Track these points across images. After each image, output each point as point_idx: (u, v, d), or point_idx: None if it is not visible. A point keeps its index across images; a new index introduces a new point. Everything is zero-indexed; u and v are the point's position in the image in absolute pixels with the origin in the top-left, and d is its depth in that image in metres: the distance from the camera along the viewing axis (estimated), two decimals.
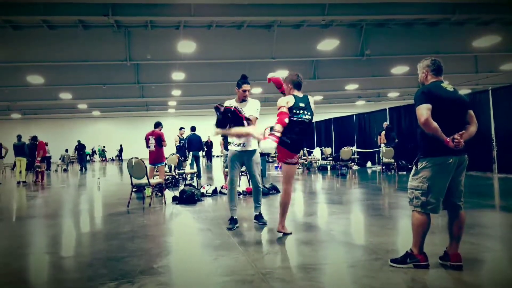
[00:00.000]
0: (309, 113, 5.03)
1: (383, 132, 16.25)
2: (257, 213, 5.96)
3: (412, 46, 16.71)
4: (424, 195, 3.56)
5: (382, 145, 15.73)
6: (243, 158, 5.78)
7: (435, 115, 3.43)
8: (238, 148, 5.74)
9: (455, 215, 3.69)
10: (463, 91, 24.78)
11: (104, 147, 38.70)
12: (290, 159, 5.07)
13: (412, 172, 3.70)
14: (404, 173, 13.69)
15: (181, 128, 13.71)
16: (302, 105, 4.98)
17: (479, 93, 13.68)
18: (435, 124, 3.40)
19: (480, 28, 16.30)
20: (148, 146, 9.71)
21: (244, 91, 5.64)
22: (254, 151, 5.77)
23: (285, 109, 4.91)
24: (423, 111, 3.44)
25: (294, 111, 4.93)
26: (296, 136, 4.97)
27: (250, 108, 5.64)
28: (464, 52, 17.76)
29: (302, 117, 4.96)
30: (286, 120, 4.86)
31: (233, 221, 5.75)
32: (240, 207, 7.86)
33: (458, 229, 3.67)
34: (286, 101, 4.96)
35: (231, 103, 5.69)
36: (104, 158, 38.40)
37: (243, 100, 5.70)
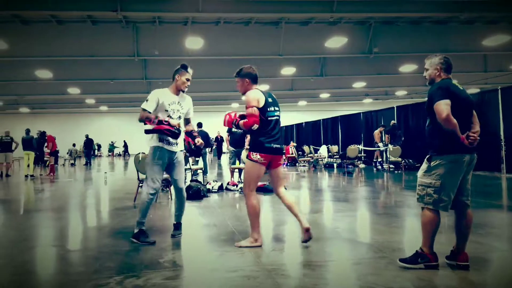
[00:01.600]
0: (278, 109, 4.63)
1: (379, 130, 16.19)
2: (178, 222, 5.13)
3: (420, 44, 16.60)
4: (437, 192, 3.50)
5: (380, 144, 15.70)
6: (169, 159, 4.83)
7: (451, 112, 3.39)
8: (167, 147, 4.79)
9: (462, 214, 3.65)
10: (472, 90, 24.60)
11: (113, 142, 38.95)
12: (256, 157, 4.47)
13: (424, 168, 3.63)
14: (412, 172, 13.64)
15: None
16: (270, 100, 4.54)
17: (488, 93, 13.57)
18: (455, 120, 3.35)
19: (489, 27, 16.17)
20: None
21: (188, 79, 4.85)
22: (181, 152, 4.95)
23: (256, 111, 4.38)
24: (444, 106, 3.37)
25: (268, 108, 4.48)
26: (275, 139, 4.49)
27: (188, 104, 5.00)
28: (472, 50, 17.64)
29: (275, 115, 4.54)
30: (255, 127, 4.36)
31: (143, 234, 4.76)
32: (243, 203, 7.86)
33: (465, 228, 3.64)
34: (257, 99, 4.43)
35: (163, 93, 4.76)
36: (111, 153, 38.66)
37: (180, 91, 4.87)
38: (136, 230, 4.72)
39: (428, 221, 3.55)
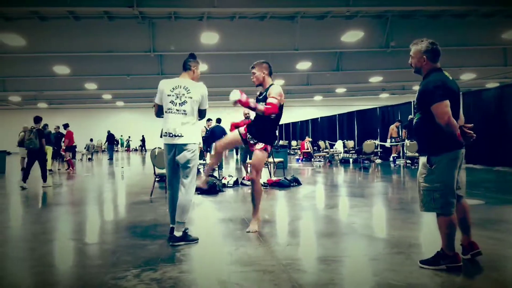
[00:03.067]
0: None
1: (394, 125, 16.04)
2: (179, 235, 4.41)
3: (438, 38, 15.84)
4: (444, 196, 3.34)
5: (390, 139, 15.55)
6: (172, 153, 4.55)
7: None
8: (165, 140, 4.55)
9: (460, 207, 3.53)
10: (491, 85, 24.21)
11: (129, 137, 39.41)
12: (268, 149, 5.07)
13: (424, 172, 3.42)
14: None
15: (208, 120, 13.86)
16: None
17: (508, 87, 13.33)
18: (455, 121, 3.23)
19: (509, 20, 15.82)
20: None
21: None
22: (185, 145, 4.46)
23: (278, 104, 4.78)
24: (446, 108, 3.21)
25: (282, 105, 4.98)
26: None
27: (199, 90, 4.60)
28: (492, 44, 17.30)
29: None
30: (272, 116, 4.80)
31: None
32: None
33: (466, 220, 3.57)
34: (282, 95, 4.90)
35: (167, 81, 4.60)
36: (128, 148, 39.11)
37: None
38: (180, 234, 4.38)
39: (446, 226, 3.39)
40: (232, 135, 5.35)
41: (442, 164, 3.34)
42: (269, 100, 4.77)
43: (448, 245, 3.40)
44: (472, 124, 3.40)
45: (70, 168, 15.30)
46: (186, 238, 4.40)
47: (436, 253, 3.47)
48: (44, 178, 10.26)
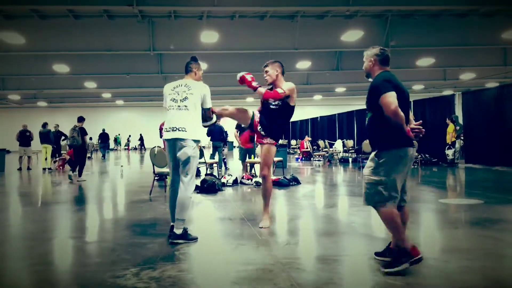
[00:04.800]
0: None
1: None
2: (179, 232, 4.42)
3: (438, 38, 16.33)
4: (387, 189, 3.36)
5: None
6: (174, 150, 4.52)
7: None
8: (168, 135, 4.54)
9: (400, 211, 3.51)
10: (491, 84, 24.21)
11: (129, 135, 39.43)
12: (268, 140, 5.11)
13: (371, 166, 3.47)
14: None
15: None
16: None
17: (507, 87, 13.33)
18: (402, 113, 3.29)
19: (510, 20, 15.82)
20: (161, 136, 9.99)
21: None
22: (185, 140, 4.44)
23: (282, 96, 4.89)
24: (392, 98, 3.29)
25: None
26: None
27: (200, 89, 4.66)
28: (492, 44, 17.29)
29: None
30: (270, 101, 4.94)
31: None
32: (259, 198, 7.87)
33: (404, 226, 3.55)
34: (295, 92, 5.01)
35: (169, 84, 4.75)
36: (127, 147, 39.15)
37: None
38: (180, 231, 4.39)
39: (390, 218, 3.38)
40: (244, 111, 5.34)
41: (390, 159, 3.39)
42: (276, 89, 4.92)
43: (399, 237, 3.37)
44: (421, 121, 3.48)
45: (61, 165, 15.13)
46: (186, 236, 4.40)
47: (392, 253, 3.43)
48: (80, 173, 11.17)
